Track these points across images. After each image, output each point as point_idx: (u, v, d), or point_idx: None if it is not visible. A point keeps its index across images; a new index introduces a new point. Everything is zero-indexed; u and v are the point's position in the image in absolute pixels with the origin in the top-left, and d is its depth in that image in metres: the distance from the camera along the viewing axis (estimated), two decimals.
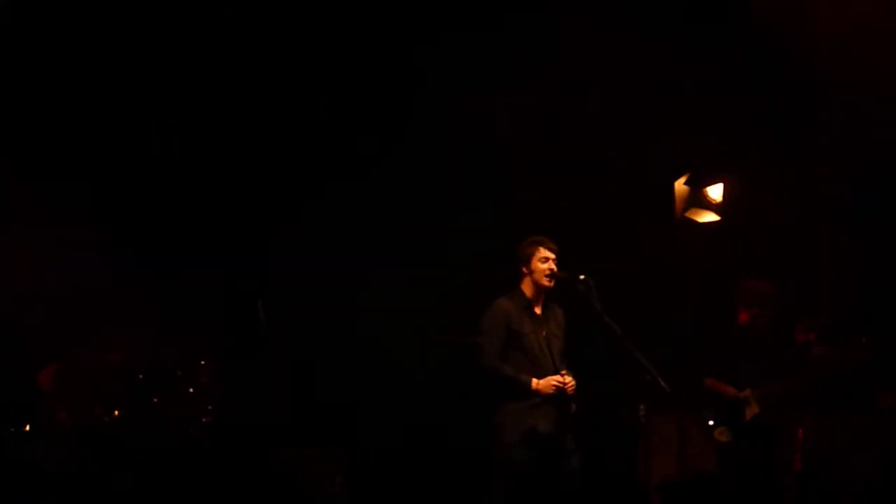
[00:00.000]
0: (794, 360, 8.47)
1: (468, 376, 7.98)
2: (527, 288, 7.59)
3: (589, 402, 7.87)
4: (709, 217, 9.39)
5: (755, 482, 8.26)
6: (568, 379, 7.31)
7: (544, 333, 7.54)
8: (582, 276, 7.36)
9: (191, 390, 8.85)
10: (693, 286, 9.59)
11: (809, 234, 9.76)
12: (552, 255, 7.53)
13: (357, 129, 9.32)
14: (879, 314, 9.06)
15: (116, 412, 8.70)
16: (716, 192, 9.32)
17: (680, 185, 9.33)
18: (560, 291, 7.62)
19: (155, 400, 8.77)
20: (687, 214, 9.38)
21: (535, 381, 7.28)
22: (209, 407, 8.80)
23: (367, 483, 8.98)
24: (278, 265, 9.24)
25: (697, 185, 9.34)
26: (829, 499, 8.65)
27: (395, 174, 9.50)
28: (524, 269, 7.55)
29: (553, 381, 7.30)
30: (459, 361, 8.57)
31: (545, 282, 7.50)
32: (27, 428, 8.29)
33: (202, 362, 8.93)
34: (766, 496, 8.28)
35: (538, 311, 7.62)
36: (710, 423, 8.44)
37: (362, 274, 9.37)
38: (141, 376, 8.84)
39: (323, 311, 9.28)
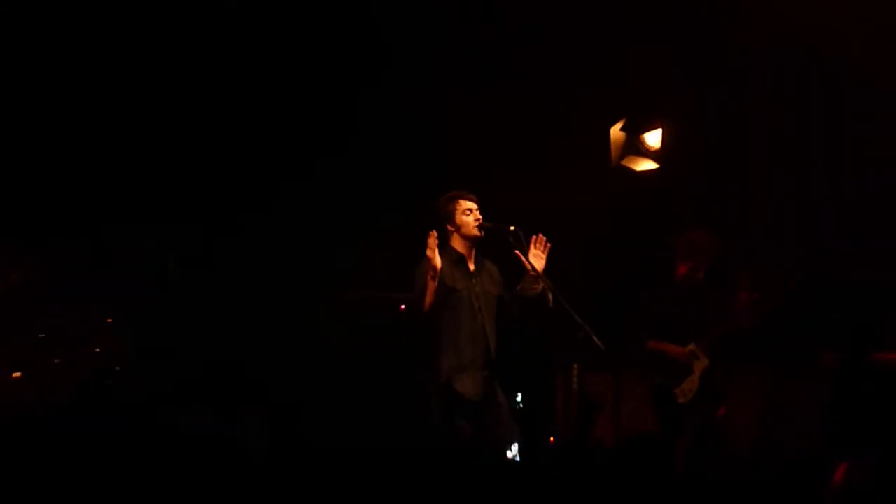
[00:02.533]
0: (737, 314, 8.25)
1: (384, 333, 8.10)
2: (457, 244, 7.28)
3: (517, 362, 7.68)
4: (646, 165, 9.07)
5: (704, 443, 8.09)
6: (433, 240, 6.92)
7: (477, 290, 7.22)
8: (512, 228, 7.09)
9: (96, 350, 8.59)
10: (629, 239, 9.31)
11: (746, 181, 9.49)
12: (474, 206, 7.23)
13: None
14: (817, 265, 8.94)
15: (16, 374, 8.40)
16: (653, 138, 8.99)
17: (616, 131, 9.00)
18: (488, 243, 7.33)
19: (57, 361, 8.53)
20: (623, 162, 9.05)
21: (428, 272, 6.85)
22: (116, 367, 8.56)
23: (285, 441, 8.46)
24: (189, 226, 9.11)
25: (634, 132, 9.02)
26: (767, 460, 8.63)
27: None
28: (450, 227, 7.25)
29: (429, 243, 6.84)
30: (372, 319, 8.56)
31: (475, 233, 7.19)
32: None
33: (108, 320, 8.70)
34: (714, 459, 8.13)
35: (471, 266, 7.29)
36: (661, 386, 8.22)
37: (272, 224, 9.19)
38: (42, 335, 8.57)
39: (234, 270, 9.10)
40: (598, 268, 8.99)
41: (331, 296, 9.03)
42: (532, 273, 7.06)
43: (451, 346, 7.13)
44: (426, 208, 7.33)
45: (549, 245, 7.10)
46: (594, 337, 6.84)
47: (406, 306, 7.82)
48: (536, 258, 7.15)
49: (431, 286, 6.89)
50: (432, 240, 6.79)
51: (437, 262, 6.83)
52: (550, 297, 7.03)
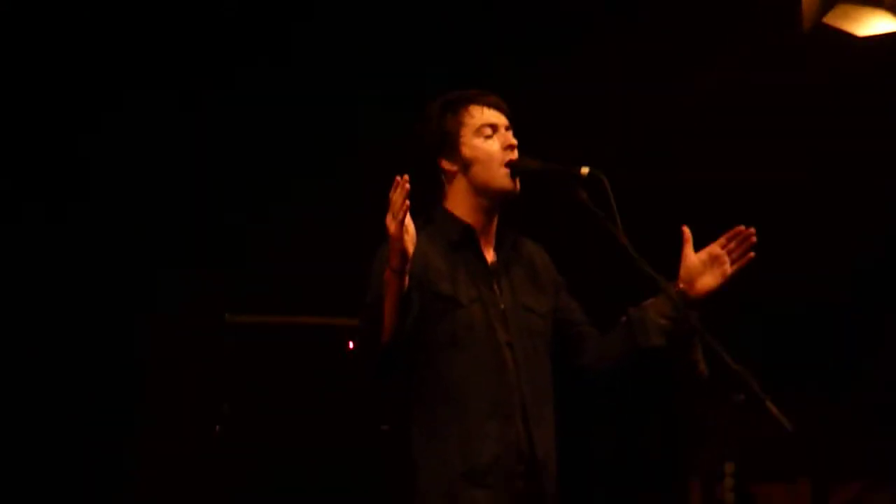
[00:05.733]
0: None
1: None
2: (460, 205, 4.20)
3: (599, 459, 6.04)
4: (887, 23, 5.66)
5: None
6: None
7: (504, 305, 4.13)
8: (585, 170, 4.01)
9: None
10: (850, 220, 6.15)
11: None
12: (502, 120, 4.15)
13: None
14: None
15: None
16: None
17: None
18: (529, 209, 4.31)
19: None
20: (829, 20, 5.77)
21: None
22: None
23: None
24: None
25: None
26: None
27: None
28: (447, 166, 4.18)
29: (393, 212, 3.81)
30: (294, 369, 6.10)
31: (503, 183, 4.11)
32: None
33: None
34: None
35: (489, 254, 4.22)
36: None
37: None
38: None
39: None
40: (783, 267, 5.66)
41: (215, 321, 6.26)
42: (678, 294, 4.06)
43: (452, 426, 4.10)
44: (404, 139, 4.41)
45: (752, 239, 4.07)
46: (771, 406, 3.65)
47: (356, 341, 5.59)
48: (710, 266, 4.09)
49: (393, 293, 3.85)
50: (397, 194, 3.78)
51: (408, 240, 3.84)
52: (700, 356, 4.03)
